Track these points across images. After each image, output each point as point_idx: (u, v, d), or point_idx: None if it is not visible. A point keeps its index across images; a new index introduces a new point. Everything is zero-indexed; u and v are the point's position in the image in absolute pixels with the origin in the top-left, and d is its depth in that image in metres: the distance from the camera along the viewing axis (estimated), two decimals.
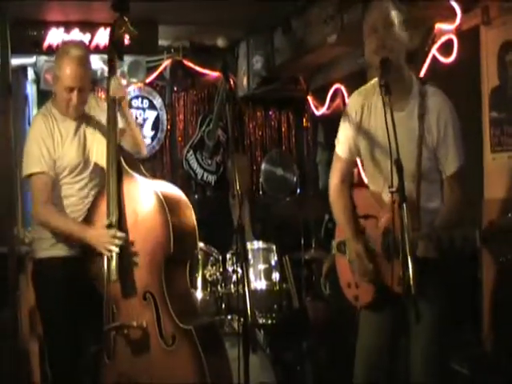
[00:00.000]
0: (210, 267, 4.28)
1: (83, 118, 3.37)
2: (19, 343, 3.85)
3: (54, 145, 3.24)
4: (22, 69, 5.57)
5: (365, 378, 2.85)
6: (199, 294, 4.21)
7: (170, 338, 3.02)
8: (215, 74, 6.05)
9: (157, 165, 6.00)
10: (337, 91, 5.41)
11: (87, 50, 3.37)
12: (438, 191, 2.72)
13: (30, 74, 5.63)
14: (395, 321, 2.66)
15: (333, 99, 5.51)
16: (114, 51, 3.33)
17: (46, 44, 5.27)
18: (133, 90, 5.89)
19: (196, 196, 5.66)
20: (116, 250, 3.06)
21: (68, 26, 5.31)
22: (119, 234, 3.07)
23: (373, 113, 2.75)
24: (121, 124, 3.29)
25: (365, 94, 2.80)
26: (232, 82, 5.75)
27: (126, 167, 3.18)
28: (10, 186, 3.85)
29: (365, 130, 2.77)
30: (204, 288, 4.24)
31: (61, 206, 3.30)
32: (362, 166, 2.94)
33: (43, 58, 5.42)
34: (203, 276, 4.25)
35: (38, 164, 3.20)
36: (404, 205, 2.27)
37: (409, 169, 2.55)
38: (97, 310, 3.18)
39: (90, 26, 5.36)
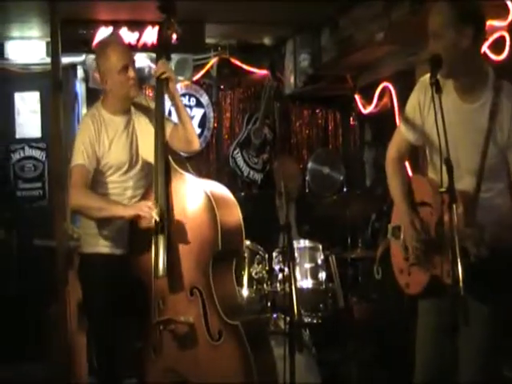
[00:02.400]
0: (256, 265, 4.26)
1: (131, 116, 3.41)
2: (68, 336, 3.90)
3: (98, 144, 3.29)
4: (72, 67, 5.68)
5: (423, 375, 2.81)
6: (245, 292, 4.20)
7: (216, 334, 3.03)
8: (262, 72, 6.05)
9: (203, 162, 6.02)
10: (384, 89, 5.36)
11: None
12: (504, 190, 2.63)
13: (80, 72, 5.73)
14: (444, 316, 2.63)
15: (380, 98, 5.46)
16: (162, 51, 3.38)
17: (95, 42, 5.35)
18: (179, 87, 5.93)
19: (242, 194, 5.66)
20: (156, 216, 3.06)
21: (116, 24, 5.38)
22: (156, 206, 3.09)
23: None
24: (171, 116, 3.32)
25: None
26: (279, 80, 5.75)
27: (175, 165, 3.20)
28: (60, 182, 3.91)
29: (429, 118, 2.72)
30: (250, 286, 4.23)
31: None
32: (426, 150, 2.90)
33: (92, 56, 5.49)
34: (249, 274, 4.24)
35: (79, 158, 3.25)
36: (454, 206, 2.23)
37: (471, 162, 2.50)
38: (142, 305, 3.21)
39: (137, 25, 5.42)
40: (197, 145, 3.44)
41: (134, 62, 3.35)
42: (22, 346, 4.62)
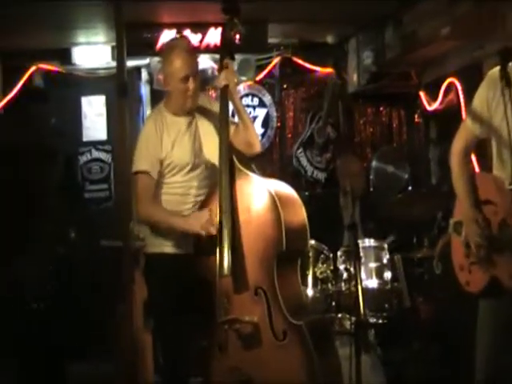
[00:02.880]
0: (320, 265, 4.24)
1: (194, 117, 3.43)
2: (134, 335, 3.96)
3: (161, 145, 3.32)
4: (137, 70, 5.77)
5: (484, 374, 2.75)
6: (310, 292, 4.19)
7: (281, 334, 3.02)
8: (325, 70, 6.02)
9: (266, 162, 6.01)
10: (450, 85, 5.26)
11: (190, 42, 3.49)
12: None
13: (144, 74, 5.82)
14: (502, 317, 2.57)
15: (446, 94, 5.36)
16: (225, 52, 3.40)
17: (158, 45, 5.43)
18: (242, 88, 5.95)
19: (306, 193, 5.64)
20: (213, 231, 3.09)
21: (180, 27, 5.45)
22: (216, 219, 3.11)
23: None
24: (235, 117, 3.33)
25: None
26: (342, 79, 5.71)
27: (239, 165, 3.22)
28: (126, 183, 3.97)
29: (497, 112, 2.66)
30: (314, 285, 4.22)
31: (170, 205, 3.37)
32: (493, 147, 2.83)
33: (156, 59, 5.58)
34: (314, 273, 4.23)
35: (143, 163, 3.29)
36: None
37: None
38: (207, 304, 3.23)
39: (200, 27, 5.47)
40: (258, 147, 3.44)
41: (197, 72, 3.36)
42: (89, 345, 4.72)
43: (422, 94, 5.78)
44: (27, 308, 3.61)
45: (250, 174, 3.22)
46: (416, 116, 6.15)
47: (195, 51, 3.45)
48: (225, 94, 3.32)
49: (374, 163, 6.04)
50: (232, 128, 3.38)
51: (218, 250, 3.12)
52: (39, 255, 3.64)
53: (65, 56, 5.79)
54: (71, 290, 3.86)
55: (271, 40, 5.73)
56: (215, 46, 5.39)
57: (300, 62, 6.04)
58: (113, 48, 5.58)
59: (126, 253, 3.86)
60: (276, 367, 3.03)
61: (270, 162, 6.10)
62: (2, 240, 3.60)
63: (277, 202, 3.06)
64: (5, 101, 5.58)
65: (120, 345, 4.44)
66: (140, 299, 4.05)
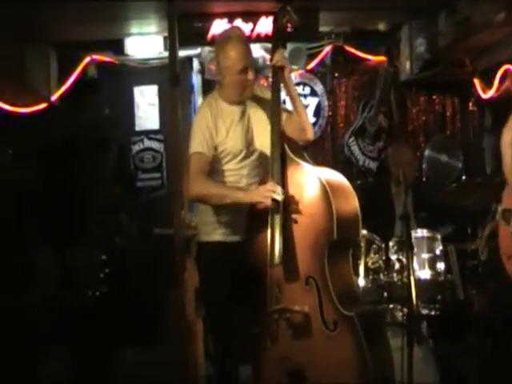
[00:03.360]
0: (372, 255, 4.20)
1: (247, 105, 3.44)
2: (185, 322, 4.00)
3: (216, 131, 3.34)
4: (188, 60, 5.80)
5: None
6: (361, 282, 4.16)
7: (331, 324, 3.01)
8: (377, 58, 5.94)
9: (318, 151, 5.97)
10: (506, 72, 5.14)
11: (243, 32, 3.48)
12: None
13: (196, 64, 5.84)
14: None
15: (501, 81, 5.24)
16: (277, 40, 3.39)
17: (210, 35, 5.44)
18: (294, 77, 5.91)
19: (357, 182, 5.59)
20: (279, 197, 3.07)
21: (231, 16, 5.44)
22: (278, 187, 3.09)
23: None
24: (288, 105, 3.33)
25: None
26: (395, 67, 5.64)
27: (290, 153, 3.21)
28: (178, 172, 4.00)
29: None
30: (366, 276, 4.18)
31: None
32: None
33: (207, 48, 5.60)
34: (365, 263, 4.19)
35: (197, 145, 3.31)
36: None
37: None
38: (258, 293, 3.24)
39: (251, 16, 5.45)
40: (311, 134, 3.43)
41: (253, 62, 3.37)
42: (141, 332, 4.80)
43: (476, 81, 5.67)
44: (82, 295, 3.67)
45: (302, 162, 3.21)
46: (470, 104, 6.05)
47: (248, 41, 3.44)
48: (276, 77, 3.31)
49: (426, 152, 5.96)
50: (285, 116, 3.37)
51: (269, 238, 3.13)
52: (93, 244, 3.71)
53: (118, 47, 5.85)
54: (124, 277, 3.91)
55: (322, 28, 5.68)
56: (266, 35, 5.37)
57: (352, 50, 5.97)
58: (165, 38, 5.62)
59: (178, 241, 3.92)
60: (326, 358, 3.02)
61: (322, 152, 6.06)
62: (59, 229, 3.67)
63: (328, 191, 3.05)
64: (60, 91, 5.70)
65: (172, 331, 4.50)
66: (191, 287, 4.09)
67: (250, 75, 3.31)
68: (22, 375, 4.30)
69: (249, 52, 3.36)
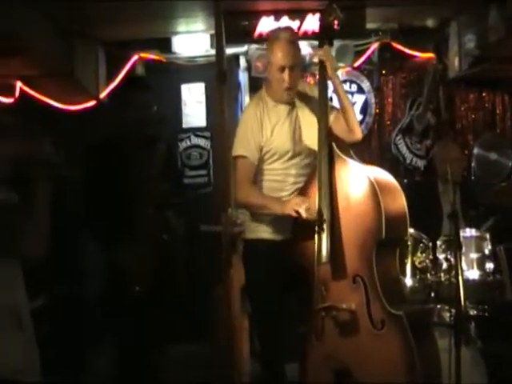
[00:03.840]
0: (419, 254, 4.16)
1: (295, 104, 3.43)
2: (231, 319, 4.02)
3: (262, 131, 3.35)
4: (235, 57, 5.81)
5: None
6: (408, 281, 4.12)
7: (379, 323, 3.00)
8: (425, 55, 5.86)
9: (365, 149, 5.91)
10: None
11: (296, 34, 3.49)
12: None
13: (242, 62, 5.85)
14: None
15: None
16: (323, 38, 3.38)
17: (256, 33, 5.44)
18: (341, 74, 5.88)
19: (405, 181, 5.53)
20: (303, 214, 3.11)
21: (278, 14, 5.43)
22: (305, 203, 3.12)
23: None
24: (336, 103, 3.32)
25: None
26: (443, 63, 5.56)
27: (338, 151, 3.20)
28: (225, 169, 4.03)
29: None
30: (413, 275, 4.14)
31: (268, 192, 3.39)
32: None
33: (254, 46, 5.61)
34: (412, 263, 4.15)
35: (242, 148, 3.34)
36: None
37: None
38: (304, 291, 3.24)
39: (298, 13, 5.44)
40: (359, 134, 3.40)
41: (296, 65, 3.35)
42: (187, 327, 4.84)
43: None
44: (129, 291, 3.70)
45: (350, 160, 3.20)
46: None
47: (297, 43, 3.43)
48: (322, 73, 3.30)
49: (475, 150, 5.86)
50: (332, 114, 3.36)
51: (316, 236, 3.12)
52: (141, 240, 3.74)
53: (165, 45, 5.90)
54: (171, 274, 3.94)
55: (369, 25, 5.62)
56: (313, 32, 5.34)
57: (399, 47, 5.89)
58: (212, 36, 5.64)
59: (224, 238, 3.95)
60: (373, 357, 3.01)
61: (369, 149, 6.01)
62: (107, 226, 3.72)
63: (377, 189, 3.03)
64: (109, 89, 5.78)
65: (217, 328, 4.53)
66: (238, 284, 4.12)
67: (286, 76, 3.31)
68: (71, 368, 4.38)
69: (293, 53, 3.35)
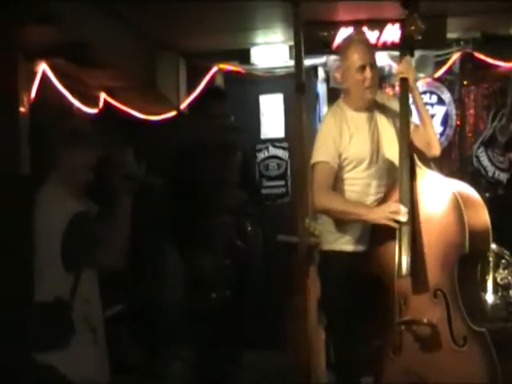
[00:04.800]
0: (501, 270, 4.06)
1: (373, 113, 3.42)
2: (307, 330, 4.01)
3: (341, 138, 3.34)
4: (313, 68, 5.82)
5: None
6: (489, 298, 4.02)
7: (461, 339, 2.94)
8: (509, 65, 5.72)
9: (445, 162, 5.81)
10: None
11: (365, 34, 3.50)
12: None
13: (321, 73, 5.85)
14: None
15: None
16: (404, 49, 3.35)
17: (335, 43, 5.42)
18: (420, 85, 5.80)
19: (487, 195, 5.40)
20: (403, 219, 3.03)
21: (357, 24, 5.40)
22: (403, 208, 3.04)
23: None
24: (414, 118, 3.29)
25: None
26: None
27: (420, 163, 3.16)
28: (303, 180, 4.02)
29: None
30: (494, 292, 4.04)
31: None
32: None
33: (333, 57, 5.58)
34: (494, 279, 4.05)
35: (322, 154, 3.32)
36: None
37: None
38: (381, 304, 3.20)
39: (378, 24, 5.40)
40: (438, 150, 3.35)
41: (374, 63, 3.35)
42: (262, 337, 4.85)
43: None
44: (206, 298, 3.75)
45: (432, 172, 3.15)
46: None
47: (370, 43, 3.46)
48: (404, 87, 3.27)
49: None
50: (411, 128, 3.32)
51: (396, 249, 3.08)
52: (218, 247, 3.79)
53: (244, 56, 5.97)
54: (247, 282, 3.97)
55: (451, 35, 5.53)
56: (392, 43, 5.30)
57: (482, 56, 5.77)
58: (290, 47, 5.67)
59: (301, 248, 3.94)
60: (454, 374, 2.94)
61: (449, 162, 5.88)
62: (186, 233, 3.78)
63: (460, 203, 2.98)
64: (189, 100, 5.89)
65: (294, 338, 4.52)
66: (314, 295, 4.10)
67: (369, 74, 3.29)
68: (148, 371, 4.46)
69: (368, 51, 3.37)
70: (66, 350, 2.87)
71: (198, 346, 4.00)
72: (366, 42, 3.44)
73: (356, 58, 3.32)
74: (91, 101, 5.30)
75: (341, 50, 3.49)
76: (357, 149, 3.35)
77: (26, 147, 3.35)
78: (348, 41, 3.46)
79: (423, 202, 3.11)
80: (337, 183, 3.36)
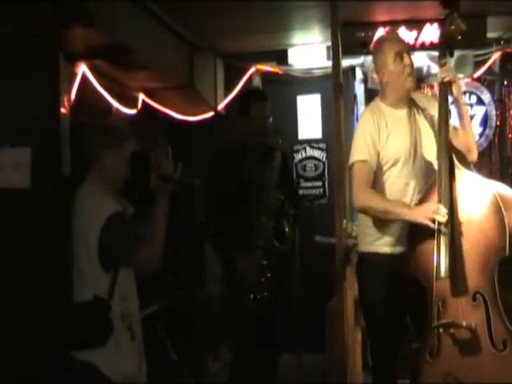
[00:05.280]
0: None
1: (412, 111, 3.39)
2: (344, 331, 4.00)
3: (379, 136, 3.31)
4: (351, 69, 5.81)
5: None
6: None
7: (500, 343, 2.90)
8: None
9: (484, 163, 5.76)
10: None
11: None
12: None
13: (358, 73, 5.84)
14: None
15: None
16: (444, 49, 3.32)
17: (373, 44, 5.41)
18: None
19: None
20: (442, 219, 3.00)
21: (394, 24, 5.38)
22: (443, 208, 3.01)
23: None
24: (455, 121, 3.25)
25: None
26: None
27: (459, 164, 3.13)
28: (340, 181, 4.02)
29: None
30: None
31: None
32: None
33: (370, 57, 5.56)
34: None
35: (361, 153, 3.29)
36: None
37: None
38: (418, 307, 3.17)
39: (416, 24, 5.37)
40: (475, 155, 3.32)
41: (408, 50, 3.34)
42: (299, 337, 4.85)
43: None
44: (245, 298, 3.77)
45: (471, 173, 3.12)
46: None
47: (412, 50, 3.43)
48: (444, 91, 3.24)
49: None
50: (450, 130, 3.29)
51: (435, 250, 3.05)
52: (256, 248, 3.80)
53: (281, 57, 5.99)
54: (285, 283, 3.98)
55: (491, 34, 5.46)
56: (431, 43, 5.26)
57: None
58: (328, 48, 5.67)
59: (338, 250, 3.94)
60: (493, 378, 2.90)
61: (488, 164, 5.83)
62: (225, 233, 3.81)
63: (500, 204, 2.94)
64: (227, 100, 5.92)
65: (331, 340, 4.51)
66: (351, 296, 4.09)
67: (407, 60, 3.29)
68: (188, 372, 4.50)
69: (401, 41, 3.39)
70: (105, 347, 2.91)
71: (236, 346, 4.02)
72: (397, 36, 3.47)
73: (391, 48, 3.30)
74: (130, 102, 5.36)
75: (374, 50, 3.45)
76: (395, 146, 3.31)
77: (68, 148, 3.40)
78: (379, 39, 3.50)
79: (463, 203, 3.07)
80: (375, 184, 3.33)
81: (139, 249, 2.93)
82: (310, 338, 4.86)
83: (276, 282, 3.86)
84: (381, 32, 5.35)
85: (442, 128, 3.19)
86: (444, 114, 3.21)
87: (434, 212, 3.02)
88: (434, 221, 3.03)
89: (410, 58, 3.32)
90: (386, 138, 3.31)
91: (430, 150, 3.28)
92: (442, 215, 3.00)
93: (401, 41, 3.41)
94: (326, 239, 4.48)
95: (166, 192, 3.03)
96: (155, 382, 3.45)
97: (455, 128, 3.31)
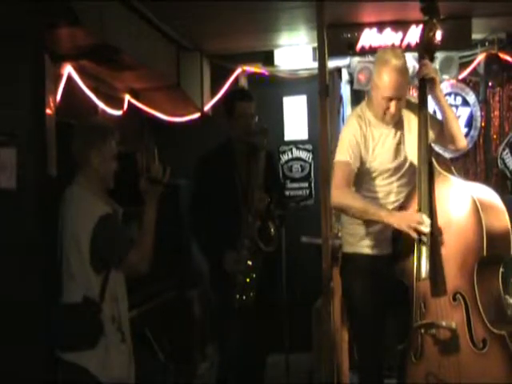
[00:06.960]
0: None
1: (400, 120, 3.40)
2: (331, 331, 4.01)
3: (364, 145, 3.32)
4: (337, 70, 5.82)
5: None
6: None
7: (480, 342, 2.94)
8: None
9: (469, 164, 5.81)
10: None
11: (404, 56, 3.33)
12: None
13: (344, 74, 5.85)
14: None
15: None
16: (423, 53, 3.33)
17: (359, 45, 5.44)
18: (445, 87, 5.78)
19: (511, 197, 5.35)
20: (426, 230, 3.02)
21: (381, 26, 5.41)
22: (427, 219, 3.03)
23: None
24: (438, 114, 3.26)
25: None
26: None
27: (438, 167, 3.15)
28: (327, 182, 4.03)
29: None
30: None
31: None
32: None
33: (356, 59, 5.60)
34: None
35: (344, 154, 3.31)
36: None
37: None
38: (402, 307, 3.20)
39: (401, 25, 5.40)
40: (464, 143, 3.36)
41: (403, 95, 3.30)
42: (286, 338, 4.87)
43: None
44: (230, 299, 3.77)
45: (450, 176, 3.15)
46: None
47: (407, 70, 3.30)
48: (422, 89, 3.25)
49: None
50: (438, 126, 3.31)
51: (416, 252, 3.08)
52: (242, 249, 3.80)
53: (267, 58, 6.00)
54: (270, 283, 3.99)
55: (475, 36, 5.50)
56: (416, 44, 5.27)
57: (507, 57, 5.72)
58: (314, 49, 5.68)
59: (324, 250, 3.94)
60: (474, 377, 2.94)
61: (474, 165, 5.86)
62: (212, 234, 3.81)
63: (478, 206, 2.98)
64: (213, 101, 5.93)
65: (318, 340, 4.52)
66: (338, 296, 4.11)
67: (392, 108, 3.26)
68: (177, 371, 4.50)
69: (402, 85, 3.24)
70: (95, 349, 2.91)
71: (223, 346, 4.03)
72: (402, 70, 3.23)
73: (387, 87, 3.22)
74: (116, 103, 5.36)
75: (376, 62, 3.34)
76: (381, 159, 3.33)
77: (53, 148, 3.39)
78: (385, 61, 3.23)
79: (442, 206, 3.10)
80: (358, 189, 3.35)
81: (130, 250, 2.94)
82: (297, 338, 4.88)
83: (262, 283, 3.86)
84: (367, 33, 5.38)
85: (421, 126, 3.21)
86: (423, 118, 3.23)
87: (419, 223, 3.04)
88: (416, 231, 3.06)
89: (398, 104, 3.26)
90: (372, 152, 3.32)
91: (415, 155, 3.28)
92: (426, 226, 3.03)
93: (399, 82, 3.22)
94: (312, 240, 4.49)
95: (155, 194, 3.03)
96: (143, 383, 3.45)
97: (441, 123, 3.32)
